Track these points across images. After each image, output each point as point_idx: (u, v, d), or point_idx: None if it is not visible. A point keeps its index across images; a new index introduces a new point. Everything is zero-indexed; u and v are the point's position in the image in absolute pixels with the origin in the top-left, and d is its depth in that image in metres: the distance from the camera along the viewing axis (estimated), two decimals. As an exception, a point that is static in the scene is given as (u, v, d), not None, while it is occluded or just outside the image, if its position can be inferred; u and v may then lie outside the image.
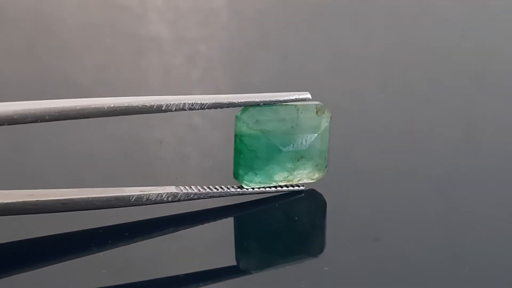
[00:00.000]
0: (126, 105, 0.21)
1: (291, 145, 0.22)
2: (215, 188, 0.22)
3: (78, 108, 0.20)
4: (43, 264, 0.21)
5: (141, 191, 0.21)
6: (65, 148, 0.26)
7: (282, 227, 0.23)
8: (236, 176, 0.23)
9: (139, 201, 0.21)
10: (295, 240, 0.22)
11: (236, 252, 0.21)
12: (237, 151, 0.22)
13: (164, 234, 0.22)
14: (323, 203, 0.23)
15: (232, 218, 0.23)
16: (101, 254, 0.21)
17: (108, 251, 0.21)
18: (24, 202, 0.21)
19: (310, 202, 0.23)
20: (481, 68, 0.31)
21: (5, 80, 0.29)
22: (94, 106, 0.20)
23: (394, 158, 0.26)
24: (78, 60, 0.31)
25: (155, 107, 0.21)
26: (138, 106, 0.21)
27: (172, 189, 0.22)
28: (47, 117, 0.20)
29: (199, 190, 0.22)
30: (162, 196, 0.21)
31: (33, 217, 0.21)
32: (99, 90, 0.29)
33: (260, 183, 0.23)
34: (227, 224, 0.23)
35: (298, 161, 0.23)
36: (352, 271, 0.21)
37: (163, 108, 0.21)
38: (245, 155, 0.22)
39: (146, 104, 0.21)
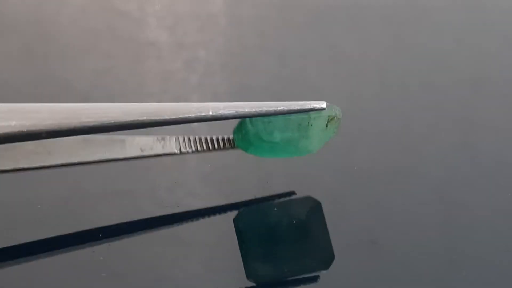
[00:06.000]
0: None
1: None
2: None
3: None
4: (41, 267, 0.21)
5: None
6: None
7: (279, 231, 0.23)
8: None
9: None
10: (292, 244, 0.22)
11: (231, 256, 0.21)
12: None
13: (162, 236, 0.22)
14: (320, 206, 0.23)
15: (228, 220, 0.23)
16: (100, 257, 0.21)
17: (108, 254, 0.21)
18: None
19: (307, 206, 0.23)
20: (479, 71, 0.31)
21: (2, 83, 0.29)
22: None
23: (392, 161, 0.26)
24: (76, 65, 0.31)
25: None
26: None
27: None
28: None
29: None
30: None
31: (30, 215, 0.21)
32: (97, 95, 0.29)
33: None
34: (223, 227, 0.23)
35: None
36: (350, 275, 0.21)
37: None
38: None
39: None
